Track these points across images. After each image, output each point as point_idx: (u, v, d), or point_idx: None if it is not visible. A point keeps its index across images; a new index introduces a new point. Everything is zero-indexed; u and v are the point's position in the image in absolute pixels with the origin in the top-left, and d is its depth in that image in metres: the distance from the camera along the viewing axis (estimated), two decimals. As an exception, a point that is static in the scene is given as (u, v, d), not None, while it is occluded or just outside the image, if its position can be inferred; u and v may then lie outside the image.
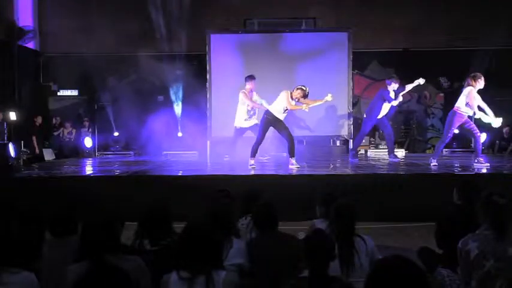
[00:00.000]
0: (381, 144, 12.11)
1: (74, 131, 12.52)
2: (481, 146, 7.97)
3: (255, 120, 9.04)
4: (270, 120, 7.71)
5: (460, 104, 7.62)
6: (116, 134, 12.41)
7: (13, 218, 2.93)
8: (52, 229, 3.04)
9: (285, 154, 10.46)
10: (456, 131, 9.33)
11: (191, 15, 12.07)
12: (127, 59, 12.16)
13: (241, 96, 8.96)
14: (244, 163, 7.85)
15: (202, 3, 12.35)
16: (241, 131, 9.19)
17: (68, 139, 12.47)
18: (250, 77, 8.97)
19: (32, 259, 2.81)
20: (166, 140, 11.65)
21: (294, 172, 7.39)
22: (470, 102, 7.45)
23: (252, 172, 7.44)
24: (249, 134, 9.15)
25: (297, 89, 7.74)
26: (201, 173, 7.73)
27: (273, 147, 9.96)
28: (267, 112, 7.79)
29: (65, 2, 12.78)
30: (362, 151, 11.73)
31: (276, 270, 2.98)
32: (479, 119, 7.76)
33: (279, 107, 7.68)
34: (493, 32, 11.92)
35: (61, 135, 12.51)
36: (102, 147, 12.38)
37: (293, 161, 7.73)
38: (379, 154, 11.33)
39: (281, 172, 7.41)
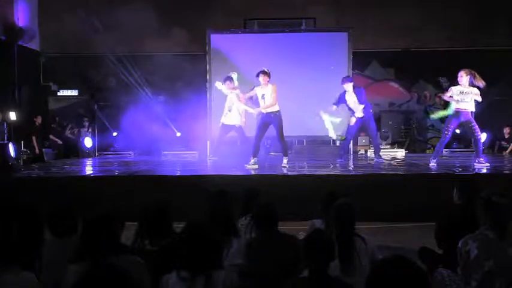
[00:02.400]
0: (381, 144, 12.10)
1: (75, 130, 12.55)
2: (481, 147, 7.96)
3: (234, 120, 8.98)
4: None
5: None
6: (115, 134, 12.41)
7: (13, 218, 2.93)
8: (52, 229, 3.04)
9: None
10: (458, 131, 9.29)
11: (191, 15, 12.07)
12: (127, 59, 12.16)
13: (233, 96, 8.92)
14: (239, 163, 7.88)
15: (202, 3, 12.35)
16: (222, 128, 9.16)
17: (70, 139, 12.49)
18: (227, 78, 8.96)
19: (32, 259, 2.81)
20: (166, 140, 11.65)
21: (294, 172, 7.40)
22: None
23: (252, 172, 7.44)
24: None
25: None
26: (201, 173, 7.73)
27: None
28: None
29: (65, 2, 12.78)
30: (362, 151, 11.74)
31: (276, 270, 2.98)
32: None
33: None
34: (493, 32, 11.93)
35: (66, 132, 12.54)
36: (102, 147, 12.38)
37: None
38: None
39: (281, 172, 7.41)
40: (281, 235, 3.29)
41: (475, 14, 12.18)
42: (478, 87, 7.62)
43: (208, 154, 10.48)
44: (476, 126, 7.67)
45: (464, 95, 7.65)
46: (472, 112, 7.75)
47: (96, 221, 2.64)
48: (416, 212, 5.93)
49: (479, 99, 7.61)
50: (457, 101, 7.63)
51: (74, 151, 12.29)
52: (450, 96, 7.69)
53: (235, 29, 11.57)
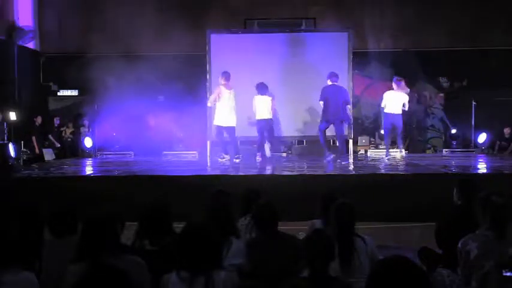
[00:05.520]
0: (381, 144, 12.09)
1: (74, 130, 12.55)
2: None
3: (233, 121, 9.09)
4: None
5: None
6: (116, 134, 12.40)
7: (13, 218, 2.93)
8: (52, 229, 3.04)
9: (285, 154, 10.53)
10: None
11: (191, 15, 12.07)
12: (127, 59, 12.15)
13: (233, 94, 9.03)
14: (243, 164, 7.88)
15: (202, 3, 12.35)
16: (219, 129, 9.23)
17: (70, 139, 12.48)
18: (226, 73, 9.02)
19: (32, 259, 2.81)
20: (166, 140, 11.64)
21: (294, 172, 7.41)
22: None
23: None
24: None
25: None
26: (201, 173, 7.73)
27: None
28: None
29: (64, 2, 12.78)
30: (362, 151, 11.73)
31: (276, 270, 2.98)
32: None
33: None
34: (493, 32, 11.93)
35: (63, 134, 12.53)
36: (102, 147, 12.37)
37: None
38: (379, 154, 11.31)
39: (281, 172, 7.42)
40: (281, 235, 3.29)
41: (474, 14, 12.18)
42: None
43: (208, 154, 10.48)
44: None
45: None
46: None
47: (96, 221, 2.64)
48: (416, 212, 5.93)
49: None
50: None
51: (74, 151, 12.29)
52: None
53: (235, 29, 11.57)
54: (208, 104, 9.41)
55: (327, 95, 8.78)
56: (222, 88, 8.89)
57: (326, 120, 8.89)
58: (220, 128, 9.10)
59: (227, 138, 9.26)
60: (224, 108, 8.90)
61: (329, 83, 8.92)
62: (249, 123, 9.75)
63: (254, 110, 9.24)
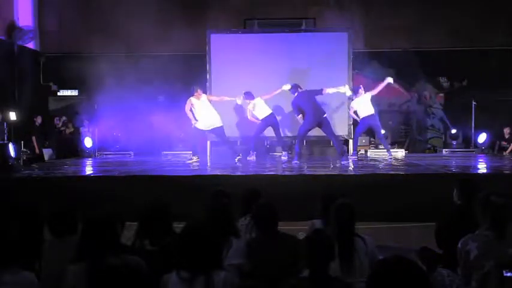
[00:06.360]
0: (380, 144, 12.10)
1: (74, 130, 12.56)
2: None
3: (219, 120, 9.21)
4: None
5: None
6: (116, 134, 12.40)
7: (13, 218, 2.93)
8: (52, 229, 3.04)
9: (283, 153, 10.53)
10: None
11: (191, 15, 12.07)
12: (127, 59, 12.15)
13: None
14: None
15: (202, 3, 12.34)
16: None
17: (70, 139, 12.48)
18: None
19: (32, 259, 2.81)
20: (166, 140, 11.63)
21: (294, 172, 7.41)
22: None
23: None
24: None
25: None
26: (201, 173, 7.73)
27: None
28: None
29: (64, 2, 12.78)
30: (362, 151, 11.73)
31: (276, 270, 2.98)
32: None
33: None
34: (493, 32, 11.93)
35: (63, 133, 12.53)
36: (102, 147, 12.37)
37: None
38: (379, 154, 11.32)
39: (281, 172, 7.42)
40: (281, 235, 3.29)
41: (475, 14, 12.18)
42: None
43: (208, 154, 10.49)
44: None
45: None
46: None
47: (96, 221, 2.64)
48: (416, 212, 5.93)
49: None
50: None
51: (74, 151, 12.29)
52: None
53: (235, 29, 11.57)
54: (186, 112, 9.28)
55: (300, 106, 8.95)
56: (193, 100, 9.05)
57: (309, 128, 8.99)
58: (201, 132, 9.24)
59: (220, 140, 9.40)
60: (201, 115, 9.04)
61: (295, 94, 9.00)
62: (252, 123, 9.72)
63: (257, 113, 9.39)
